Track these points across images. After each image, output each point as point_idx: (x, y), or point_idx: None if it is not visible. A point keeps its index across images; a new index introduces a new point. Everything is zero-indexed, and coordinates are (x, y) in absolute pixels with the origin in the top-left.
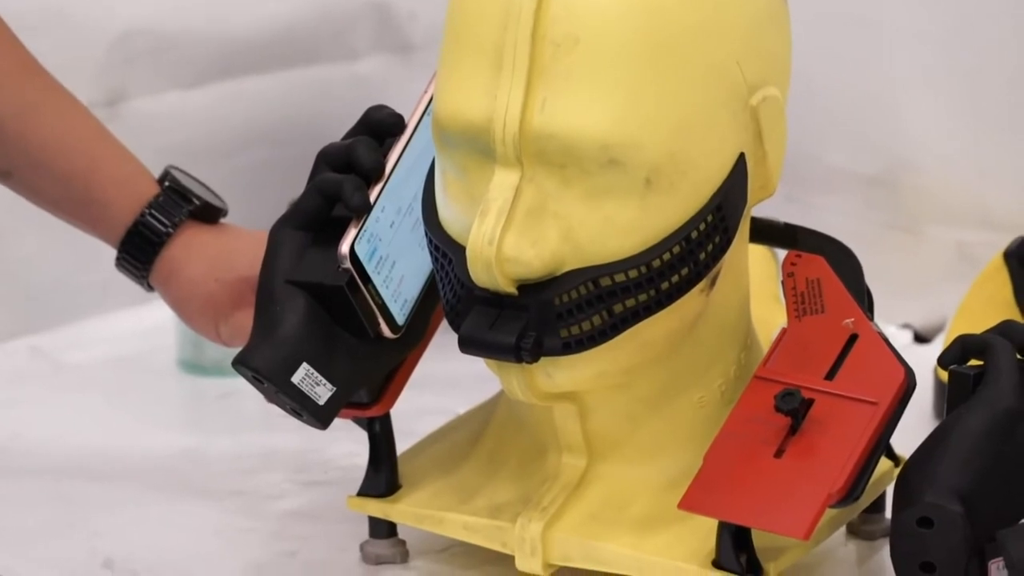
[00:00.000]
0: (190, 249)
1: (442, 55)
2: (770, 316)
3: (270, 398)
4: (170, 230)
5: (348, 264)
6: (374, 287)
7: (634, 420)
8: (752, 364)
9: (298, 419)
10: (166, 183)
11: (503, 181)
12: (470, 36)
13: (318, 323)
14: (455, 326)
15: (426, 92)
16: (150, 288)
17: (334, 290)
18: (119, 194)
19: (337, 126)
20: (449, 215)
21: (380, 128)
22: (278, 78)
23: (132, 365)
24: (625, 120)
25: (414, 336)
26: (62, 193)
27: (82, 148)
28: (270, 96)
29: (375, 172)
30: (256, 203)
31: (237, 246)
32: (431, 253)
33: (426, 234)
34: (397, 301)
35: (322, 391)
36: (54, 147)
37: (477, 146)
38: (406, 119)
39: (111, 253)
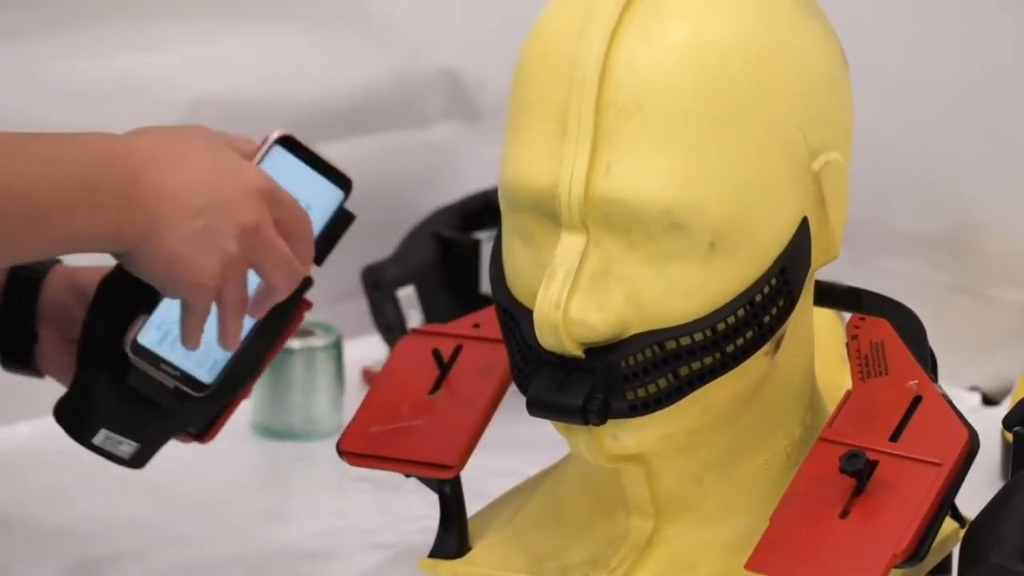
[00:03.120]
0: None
1: (508, 121)
2: (836, 378)
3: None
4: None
5: (134, 357)
6: (169, 364)
7: (700, 482)
8: (817, 426)
9: None
10: None
11: (569, 245)
12: (536, 102)
13: (119, 389)
14: (523, 388)
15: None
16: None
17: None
18: None
19: (408, 192)
20: (516, 279)
21: None
22: (349, 145)
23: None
24: (688, 184)
25: (239, 378)
26: None
27: None
28: (341, 162)
29: None
30: (328, 270)
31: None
32: (499, 317)
33: (493, 297)
34: (203, 364)
35: (125, 448)
36: None
37: (543, 211)
38: (469, 188)
39: None
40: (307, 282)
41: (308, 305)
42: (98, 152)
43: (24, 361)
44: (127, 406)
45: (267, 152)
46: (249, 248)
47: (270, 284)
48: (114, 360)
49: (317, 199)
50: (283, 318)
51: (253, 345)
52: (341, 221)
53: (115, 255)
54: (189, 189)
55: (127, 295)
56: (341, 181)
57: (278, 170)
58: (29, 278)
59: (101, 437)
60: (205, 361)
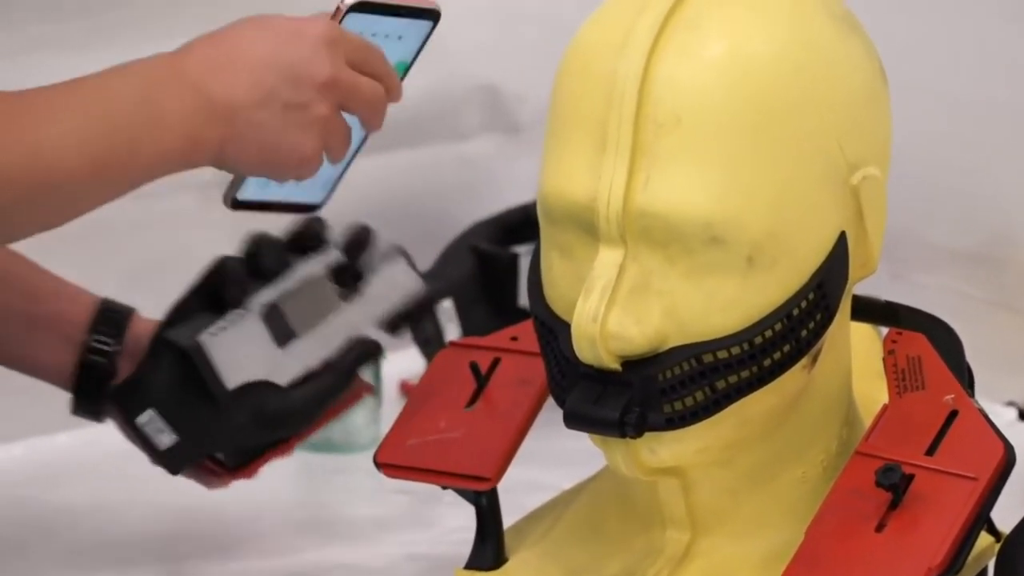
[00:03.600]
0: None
1: (547, 135)
2: (873, 392)
3: (126, 434)
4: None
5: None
6: (276, 204)
7: (737, 495)
8: (854, 440)
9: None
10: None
11: (607, 259)
12: (574, 116)
13: (178, 378)
14: (560, 401)
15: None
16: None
17: (186, 352)
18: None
19: (446, 206)
20: (554, 292)
21: (305, 239)
22: (388, 159)
23: None
24: (727, 198)
25: (293, 422)
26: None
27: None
28: (380, 176)
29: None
30: None
31: None
32: (536, 330)
33: (532, 311)
34: (312, 189)
35: (165, 439)
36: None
37: (581, 224)
38: (507, 202)
39: None
40: (376, 349)
41: (368, 388)
42: (153, 78)
43: (93, 410)
44: (181, 395)
45: (342, 21)
46: (334, 98)
47: (363, 121)
48: (174, 348)
49: (408, 35)
50: (344, 383)
51: (312, 402)
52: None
53: (210, 164)
54: (254, 74)
55: (213, 297)
56: (428, 14)
57: (362, 33)
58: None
59: (146, 418)
60: (313, 186)
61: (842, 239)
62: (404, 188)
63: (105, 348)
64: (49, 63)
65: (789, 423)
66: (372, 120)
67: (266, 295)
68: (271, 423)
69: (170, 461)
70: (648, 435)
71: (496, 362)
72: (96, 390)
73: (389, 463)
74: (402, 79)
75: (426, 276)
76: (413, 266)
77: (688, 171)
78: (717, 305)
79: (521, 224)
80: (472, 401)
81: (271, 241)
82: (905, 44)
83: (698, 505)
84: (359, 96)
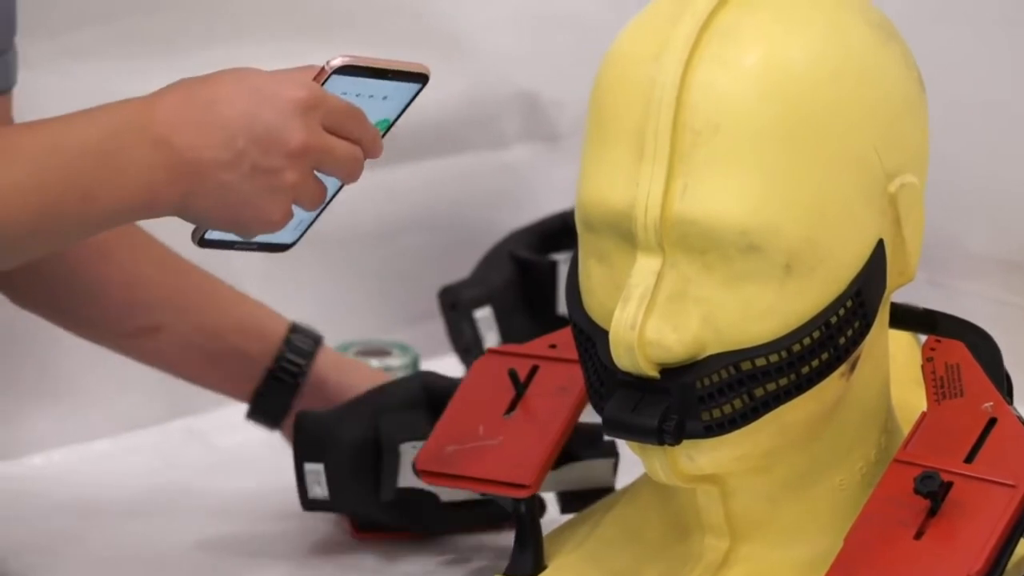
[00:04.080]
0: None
1: (585, 143)
2: (911, 400)
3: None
4: (304, 371)
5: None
6: (244, 244)
7: (775, 502)
8: (892, 447)
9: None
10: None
11: (645, 267)
12: (612, 124)
13: (360, 454)
14: (598, 409)
15: None
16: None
17: (382, 449)
18: (256, 344)
19: (485, 213)
20: (592, 300)
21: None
22: (426, 166)
23: (285, 448)
24: (764, 206)
25: (438, 530)
26: (203, 347)
27: (225, 305)
28: (419, 184)
29: None
30: (407, 290)
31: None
32: (575, 337)
33: (570, 318)
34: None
35: (318, 491)
36: (202, 301)
37: (619, 232)
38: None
39: None
40: (540, 507)
41: None
42: (116, 127)
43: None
44: (354, 469)
45: (325, 83)
46: (305, 164)
47: (339, 178)
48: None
49: (394, 96)
50: (494, 521)
51: (461, 525)
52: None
53: (173, 215)
54: (225, 133)
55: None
56: (416, 77)
57: (345, 94)
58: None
59: (313, 468)
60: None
61: (880, 247)
62: (443, 195)
63: (292, 368)
64: (81, 71)
65: (827, 431)
66: (348, 178)
67: None
68: (419, 525)
69: (310, 506)
70: (686, 442)
71: (535, 369)
72: (275, 403)
73: (428, 470)
74: (384, 135)
75: (465, 283)
76: (616, 469)
77: (725, 179)
78: (755, 313)
79: (559, 231)
80: (511, 408)
81: None
82: (944, 52)
83: (736, 512)
84: (333, 160)
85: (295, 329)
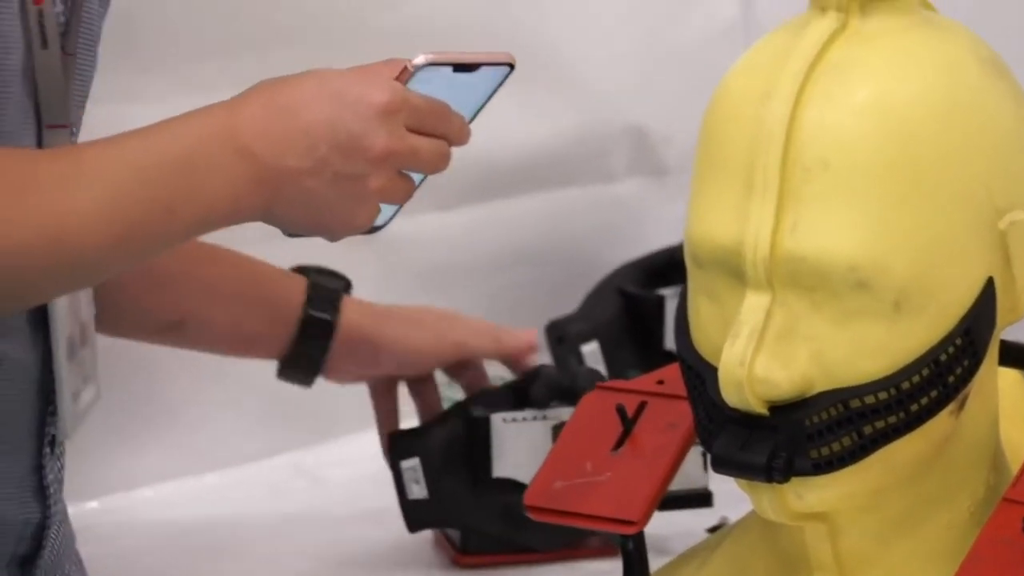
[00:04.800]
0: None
1: (694, 179)
2: (1020, 438)
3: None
4: (336, 318)
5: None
6: None
7: (883, 541)
8: (1001, 486)
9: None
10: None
11: (754, 303)
12: (721, 160)
13: (455, 442)
14: (707, 445)
15: None
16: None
17: (474, 421)
18: (283, 293)
19: (593, 248)
20: (701, 337)
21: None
22: (535, 200)
23: (391, 481)
24: (873, 243)
25: (537, 538)
26: (230, 321)
27: (242, 274)
28: (527, 217)
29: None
30: (514, 324)
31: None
32: (683, 373)
33: (678, 355)
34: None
35: (417, 490)
36: (223, 279)
37: (728, 269)
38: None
39: None
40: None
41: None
42: (197, 139)
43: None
44: (449, 459)
45: (409, 81)
46: (390, 167)
47: (426, 173)
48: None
49: (480, 85)
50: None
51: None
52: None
53: (258, 220)
54: (308, 140)
55: (521, 394)
56: (501, 66)
57: (429, 90)
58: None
59: (410, 464)
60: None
61: (989, 284)
62: (551, 229)
63: (323, 320)
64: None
65: (936, 469)
66: (435, 171)
67: (565, 413)
68: (515, 526)
69: (412, 513)
70: (795, 480)
71: (643, 405)
72: (309, 358)
73: (536, 506)
74: (471, 121)
75: (573, 318)
76: (706, 466)
77: (835, 216)
78: (864, 350)
79: (667, 267)
80: (619, 444)
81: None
82: None
83: (845, 550)
84: (417, 160)
85: (315, 285)
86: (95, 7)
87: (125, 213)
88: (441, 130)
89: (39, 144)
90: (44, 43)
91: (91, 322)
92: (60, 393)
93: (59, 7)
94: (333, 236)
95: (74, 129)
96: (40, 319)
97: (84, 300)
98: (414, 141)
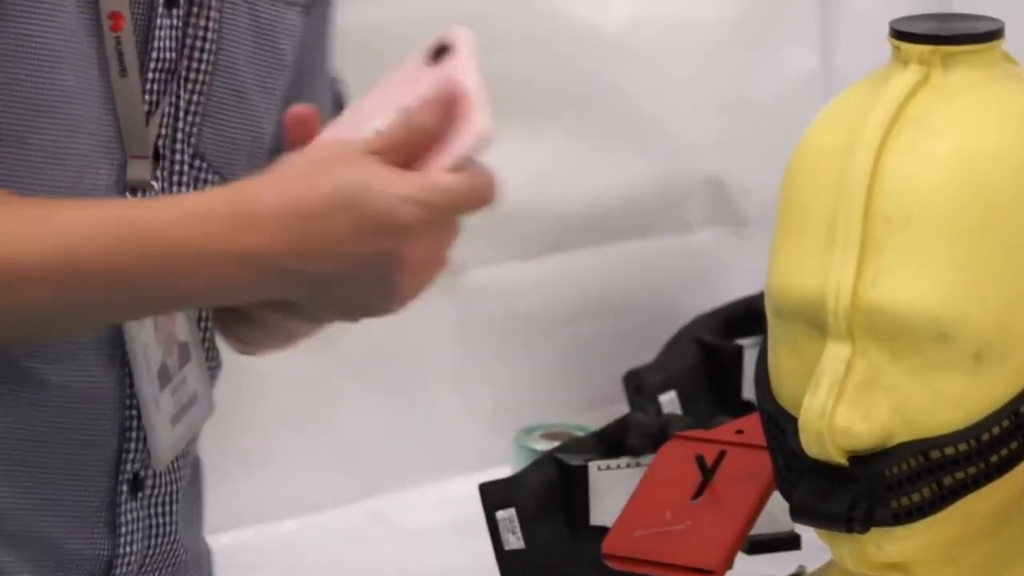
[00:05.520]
0: None
1: (776, 231)
2: None
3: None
4: None
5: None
6: None
7: None
8: None
9: None
10: None
11: (835, 354)
12: (804, 212)
13: (550, 493)
14: (787, 495)
15: None
16: None
17: (570, 471)
18: None
19: (671, 298)
20: (782, 387)
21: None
22: (614, 249)
23: (471, 529)
24: (955, 295)
25: None
26: None
27: None
28: (606, 267)
29: None
30: (591, 374)
31: None
32: (763, 423)
33: (758, 404)
34: None
35: (513, 541)
36: None
37: (810, 319)
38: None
39: (447, 420)
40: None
41: None
42: (200, 240)
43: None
44: (545, 509)
45: None
46: (425, 272)
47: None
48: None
49: None
50: None
51: None
52: None
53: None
54: (331, 258)
55: (612, 442)
56: None
57: None
58: None
59: (506, 515)
60: None
61: None
62: (630, 279)
63: None
64: None
65: (1015, 519)
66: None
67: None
68: (612, 574)
69: (509, 564)
70: (875, 530)
71: (722, 455)
72: None
73: (615, 554)
74: None
75: (650, 367)
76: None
77: (917, 268)
78: (944, 402)
79: (745, 317)
80: (698, 493)
81: None
82: None
83: None
84: (454, 240)
85: None
86: (239, 37)
87: (79, 275)
88: (478, 208)
89: (122, 172)
90: (123, 71)
91: (193, 341)
92: (148, 426)
93: (166, 40)
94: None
95: (232, 173)
96: (115, 346)
97: (181, 320)
98: (448, 238)
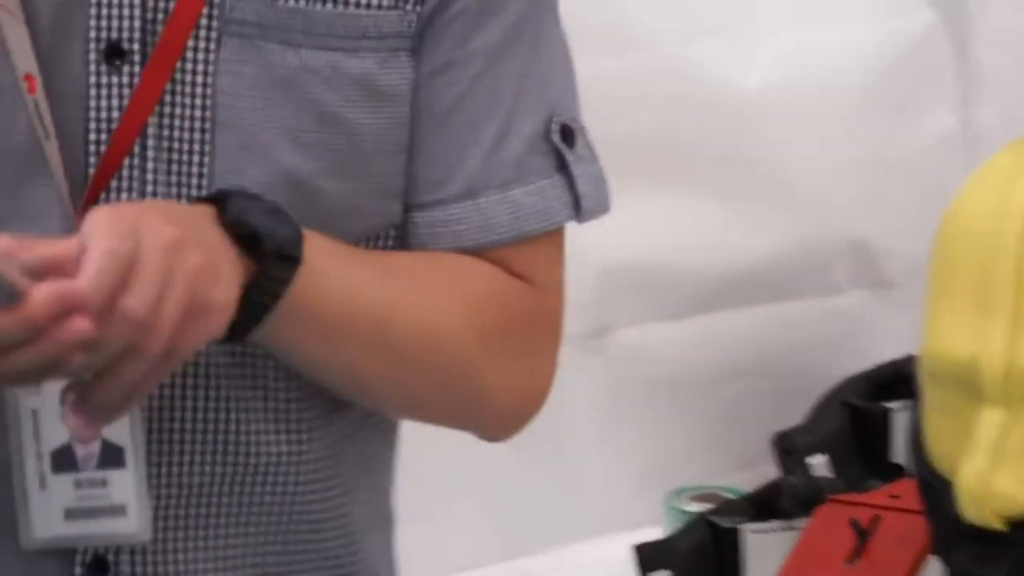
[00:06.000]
0: None
1: (929, 294)
2: None
3: None
4: None
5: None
6: None
7: None
8: None
9: None
10: None
11: (991, 419)
12: (956, 277)
13: (703, 555)
14: (944, 560)
15: None
16: None
17: (725, 534)
18: None
19: (818, 360)
20: (937, 451)
21: None
22: (760, 311)
23: None
24: None
25: None
26: None
27: None
28: (752, 329)
29: None
30: (739, 436)
31: None
32: (919, 487)
33: (915, 469)
34: None
35: None
36: None
37: (964, 384)
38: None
39: (596, 480)
40: None
41: None
42: None
43: None
44: (698, 571)
45: None
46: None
47: None
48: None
49: None
50: None
51: None
52: None
53: None
54: None
55: (763, 505)
56: None
57: None
58: None
59: None
60: None
61: None
62: (774, 341)
63: None
64: None
65: None
66: None
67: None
68: None
69: None
70: None
71: (876, 519)
72: None
73: None
74: None
75: (799, 430)
76: None
77: None
78: None
79: (893, 380)
80: (853, 557)
81: None
82: None
83: None
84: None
85: None
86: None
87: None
88: None
89: (73, 228)
90: (46, 133)
91: (137, 453)
92: (19, 491)
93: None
94: None
95: None
96: None
97: (120, 427)
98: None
